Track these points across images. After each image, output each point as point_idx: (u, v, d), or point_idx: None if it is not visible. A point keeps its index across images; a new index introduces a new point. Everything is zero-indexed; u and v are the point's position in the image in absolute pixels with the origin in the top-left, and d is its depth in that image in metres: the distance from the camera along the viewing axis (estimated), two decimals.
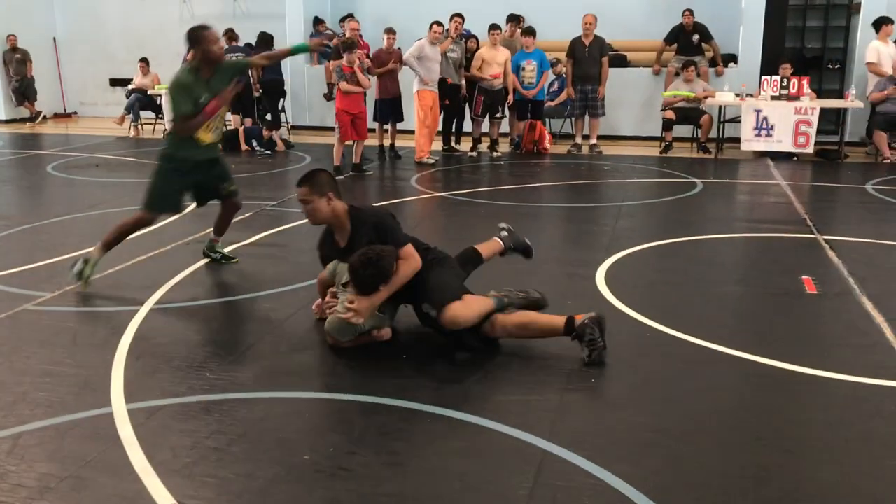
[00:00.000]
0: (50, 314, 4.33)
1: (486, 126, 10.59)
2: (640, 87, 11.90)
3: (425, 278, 3.88)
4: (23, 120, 14.69)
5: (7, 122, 14.64)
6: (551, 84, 11.42)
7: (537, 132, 10.76)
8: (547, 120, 11.44)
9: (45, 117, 14.89)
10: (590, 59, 10.62)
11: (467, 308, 3.76)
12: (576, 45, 10.70)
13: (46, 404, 3.32)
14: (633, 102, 11.89)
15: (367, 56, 10.12)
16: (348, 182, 8.77)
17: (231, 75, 4.90)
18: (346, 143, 9.07)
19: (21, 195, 8.60)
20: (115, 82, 15.07)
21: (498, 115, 10.48)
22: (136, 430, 3.07)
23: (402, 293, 3.90)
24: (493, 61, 10.16)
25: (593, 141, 10.91)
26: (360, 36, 11.08)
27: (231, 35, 11.50)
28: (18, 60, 14.34)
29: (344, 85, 8.83)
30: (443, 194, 8.10)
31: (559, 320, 3.79)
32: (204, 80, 4.73)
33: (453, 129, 10.78)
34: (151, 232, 6.20)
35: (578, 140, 10.99)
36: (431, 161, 9.88)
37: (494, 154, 10.49)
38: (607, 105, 10.95)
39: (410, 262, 3.83)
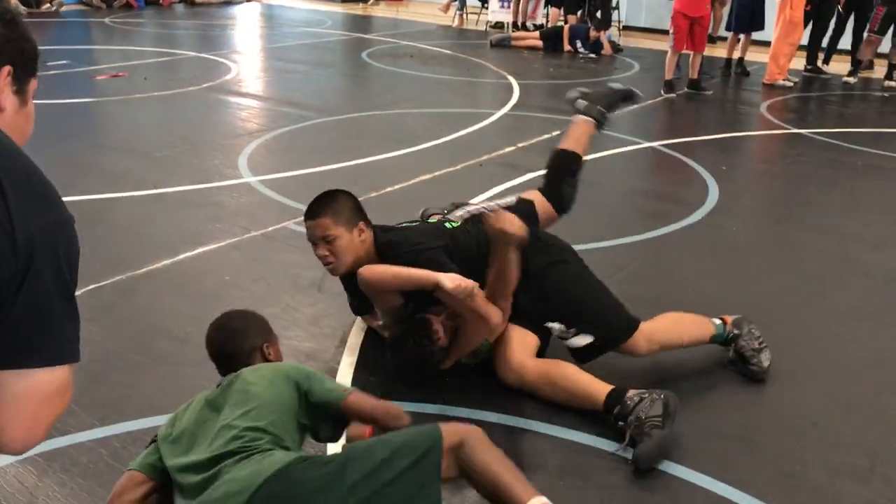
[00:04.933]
0: None
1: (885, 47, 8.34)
2: None
3: (558, 289, 2.57)
4: (357, 1, 14.81)
5: (344, 1, 14.85)
6: None
7: None
8: None
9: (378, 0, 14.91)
10: None
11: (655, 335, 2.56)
12: None
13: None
14: None
15: None
16: (680, 101, 7.32)
17: None
18: (682, 52, 7.54)
19: (330, 83, 8.27)
20: None
21: None
22: None
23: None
24: None
25: None
26: None
27: None
28: None
29: None
30: (800, 131, 6.36)
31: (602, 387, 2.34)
32: None
33: (822, 46, 8.72)
34: (453, 144, 5.41)
35: None
36: (789, 84, 8.04)
37: (888, 83, 8.25)
38: None
39: (488, 317, 2.39)
